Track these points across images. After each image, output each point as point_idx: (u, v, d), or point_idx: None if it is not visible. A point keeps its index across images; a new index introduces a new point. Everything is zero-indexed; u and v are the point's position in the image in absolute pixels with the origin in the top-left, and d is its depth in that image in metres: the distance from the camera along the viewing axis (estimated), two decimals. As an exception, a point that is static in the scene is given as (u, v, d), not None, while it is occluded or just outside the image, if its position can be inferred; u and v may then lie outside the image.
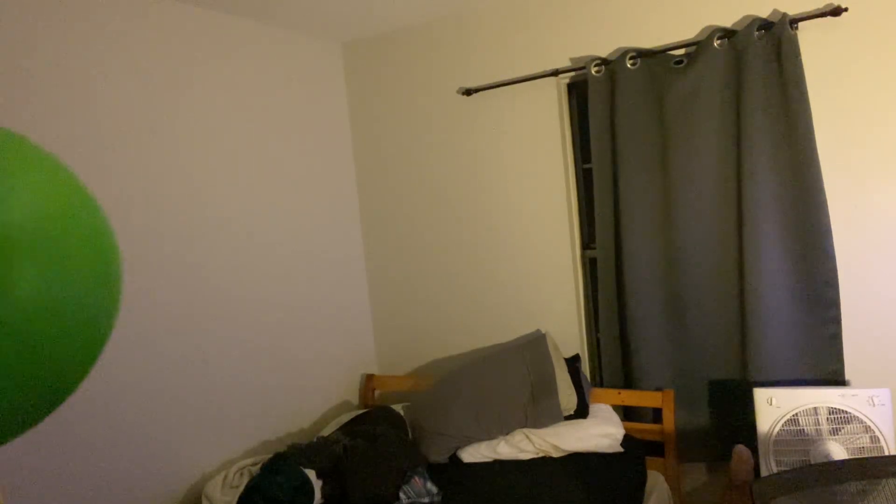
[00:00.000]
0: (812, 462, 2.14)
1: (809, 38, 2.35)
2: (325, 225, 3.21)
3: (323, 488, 2.31)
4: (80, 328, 0.92)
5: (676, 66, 2.53)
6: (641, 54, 2.58)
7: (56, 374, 0.90)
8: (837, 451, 2.12)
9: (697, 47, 2.48)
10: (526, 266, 3.03)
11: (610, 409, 2.69)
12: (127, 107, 2.31)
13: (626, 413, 2.77)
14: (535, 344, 2.75)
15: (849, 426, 2.14)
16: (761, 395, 2.25)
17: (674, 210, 2.58)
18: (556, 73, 2.79)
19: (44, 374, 0.87)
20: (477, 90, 3.00)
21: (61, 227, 0.89)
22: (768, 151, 2.38)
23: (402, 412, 2.86)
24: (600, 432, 2.50)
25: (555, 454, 2.50)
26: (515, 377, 2.65)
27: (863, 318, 2.37)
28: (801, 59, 2.28)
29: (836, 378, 2.36)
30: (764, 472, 2.23)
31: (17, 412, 0.87)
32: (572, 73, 2.80)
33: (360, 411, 2.92)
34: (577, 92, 2.88)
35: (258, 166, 2.84)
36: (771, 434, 2.22)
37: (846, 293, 2.38)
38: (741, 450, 2.25)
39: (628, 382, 2.75)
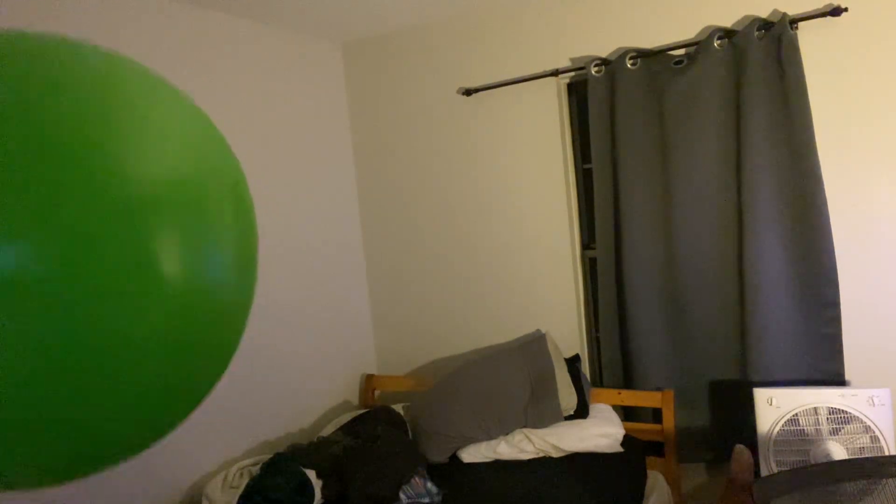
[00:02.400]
0: (812, 462, 2.14)
1: (809, 38, 2.35)
2: (325, 225, 3.21)
3: (323, 488, 2.31)
4: (220, 322, 0.79)
5: (676, 66, 2.53)
6: (641, 54, 2.58)
7: (181, 392, 0.78)
8: (837, 451, 2.12)
9: (697, 47, 2.48)
10: (526, 266, 3.03)
11: (610, 409, 2.69)
12: (127, 107, 2.31)
13: (626, 413, 2.77)
14: (536, 344, 2.75)
15: (849, 426, 2.14)
16: (761, 395, 2.25)
17: (674, 210, 2.58)
18: (556, 73, 2.79)
19: (168, 395, 0.75)
20: (477, 90, 3.00)
21: (205, 188, 0.76)
22: (768, 151, 2.38)
23: (402, 412, 2.86)
24: (600, 432, 2.50)
25: (555, 454, 2.50)
26: (515, 377, 2.65)
27: (863, 318, 2.37)
28: (801, 59, 2.28)
29: (836, 378, 2.36)
30: (764, 472, 2.23)
31: (127, 441, 0.77)
32: (572, 73, 2.80)
33: (360, 411, 2.92)
34: (577, 92, 2.88)
35: (258, 166, 2.84)
36: (771, 434, 2.22)
37: (846, 293, 2.38)
38: (741, 450, 2.25)
39: (628, 382, 2.75)
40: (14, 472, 0.70)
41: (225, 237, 0.77)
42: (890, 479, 1.65)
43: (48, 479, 0.74)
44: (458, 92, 3.10)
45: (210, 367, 0.81)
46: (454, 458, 2.59)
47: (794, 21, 2.30)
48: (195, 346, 0.76)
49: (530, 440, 2.51)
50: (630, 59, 2.58)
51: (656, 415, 2.69)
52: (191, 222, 0.73)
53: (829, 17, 2.30)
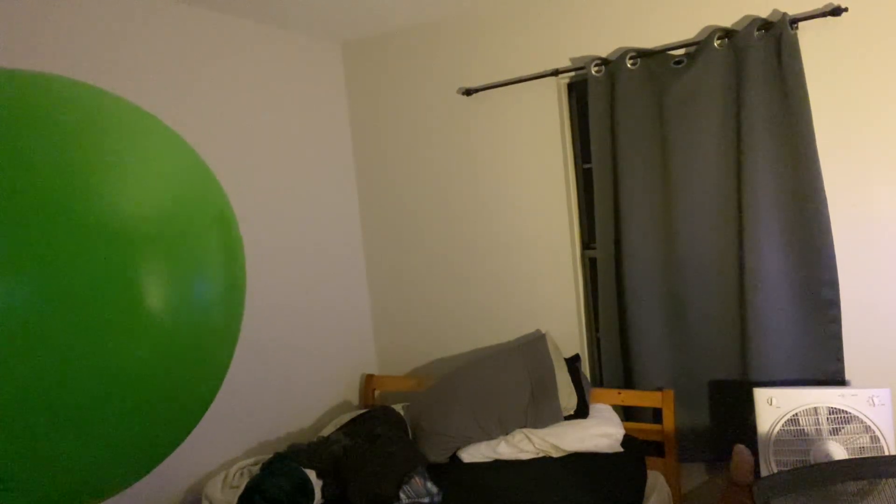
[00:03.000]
0: (812, 462, 2.14)
1: (809, 38, 2.35)
2: (325, 225, 3.21)
3: (323, 488, 2.31)
4: (211, 347, 0.77)
5: (676, 66, 2.53)
6: (641, 54, 2.58)
7: (172, 422, 0.76)
8: (837, 451, 2.12)
9: (697, 47, 2.48)
10: (526, 266, 3.03)
11: (610, 409, 2.69)
12: (127, 107, 2.31)
13: (626, 413, 2.77)
14: (535, 344, 2.75)
15: (849, 426, 2.14)
16: (761, 395, 2.25)
17: (674, 210, 2.58)
18: (556, 73, 2.79)
19: (159, 425, 0.73)
20: (477, 90, 3.00)
21: (190, 215, 0.75)
22: (768, 151, 2.38)
23: (402, 412, 2.86)
24: (600, 432, 2.50)
25: (555, 454, 2.50)
26: (515, 377, 2.65)
27: (863, 318, 2.37)
28: (801, 59, 2.28)
29: (836, 378, 2.36)
30: (764, 472, 2.23)
31: (120, 474, 0.74)
32: (572, 73, 2.80)
33: (360, 411, 2.92)
34: (577, 92, 2.88)
35: (258, 166, 2.84)
36: (771, 434, 2.22)
37: (846, 293, 2.38)
38: (741, 450, 2.25)
39: (628, 382, 2.75)
40: None
41: (211, 270, 0.77)
42: (890, 479, 1.65)
43: None
44: (458, 92, 3.10)
45: (193, 405, 0.79)
46: (454, 458, 2.59)
47: (794, 21, 2.30)
48: (180, 381, 0.74)
49: (530, 440, 2.51)
50: (630, 59, 2.58)
51: (656, 415, 2.69)
52: (177, 256, 0.72)
53: (829, 17, 2.30)
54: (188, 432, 0.82)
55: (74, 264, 0.64)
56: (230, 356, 0.83)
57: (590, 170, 2.89)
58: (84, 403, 0.66)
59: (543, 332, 2.94)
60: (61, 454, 0.67)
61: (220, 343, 0.80)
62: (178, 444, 0.81)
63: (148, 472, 0.78)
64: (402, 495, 2.25)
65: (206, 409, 0.82)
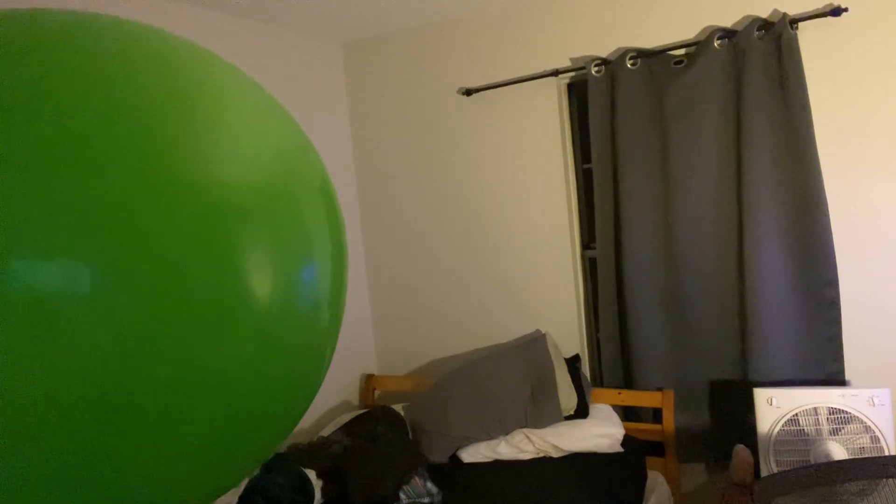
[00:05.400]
0: (812, 462, 2.14)
1: (809, 38, 2.34)
2: (325, 225, 3.21)
3: (323, 488, 2.31)
4: (318, 345, 0.64)
5: (676, 66, 2.53)
6: (641, 54, 2.58)
7: (270, 425, 0.63)
8: (837, 451, 2.12)
9: (697, 47, 2.48)
10: (526, 266, 3.03)
11: (610, 409, 2.69)
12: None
13: (626, 413, 2.77)
14: (535, 344, 2.75)
15: (849, 426, 2.14)
16: (761, 395, 2.25)
17: (674, 210, 2.58)
18: (556, 73, 2.79)
19: (257, 432, 0.61)
20: (477, 90, 3.00)
21: (295, 185, 0.62)
22: (768, 151, 2.38)
23: (402, 412, 2.86)
24: (600, 432, 2.50)
25: (555, 454, 2.50)
26: (515, 377, 2.65)
27: (863, 318, 2.37)
28: (801, 59, 2.28)
29: (836, 378, 2.36)
30: (764, 472, 2.23)
31: (212, 484, 0.62)
32: (572, 73, 2.80)
33: (360, 411, 2.92)
34: (577, 92, 2.88)
35: (258, 166, 2.84)
36: (771, 434, 2.22)
37: (846, 293, 2.38)
38: (741, 450, 2.25)
39: (628, 382, 2.75)
40: None
41: (319, 251, 0.64)
42: (890, 479, 1.65)
43: None
44: (458, 92, 3.10)
45: (288, 412, 0.67)
46: (454, 458, 2.59)
47: (794, 21, 2.30)
48: (279, 383, 0.62)
49: (530, 440, 2.51)
50: (630, 59, 2.58)
51: (656, 415, 2.69)
52: (284, 233, 0.59)
53: (829, 17, 2.30)
54: (277, 446, 0.69)
55: (159, 239, 0.52)
56: (331, 356, 0.71)
57: (590, 170, 2.89)
58: (163, 407, 0.54)
59: (543, 332, 2.94)
60: (132, 466, 0.55)
61: (326, 340, 0.68)
62: (261, 461, 0.69)
63: (226, 490, 0.67)
64: (402, 495, 2.25)
65: (303, 414, 0.69)
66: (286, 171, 0.62)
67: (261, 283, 0.57)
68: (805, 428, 2.19)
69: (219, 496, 0.67)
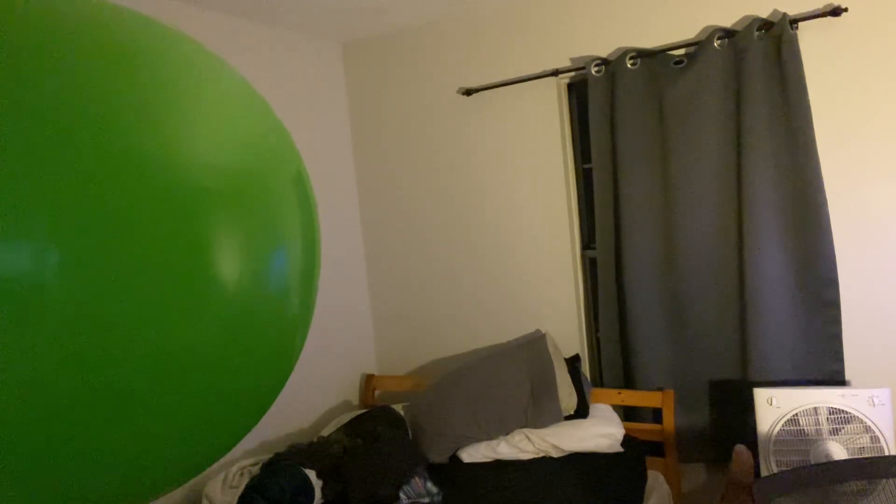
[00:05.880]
0: (812, 462, 2.14)
1: (809, 38, 2.34)
2: (325, 225, 3.21)
3: (323, 488, 2.31)
4: (287, 329, 0.65)
5: (676, 66, 2.53)
6: (641, 54, 2.58)
7: (240, 408, 0.64)
8: (837, 451, 2.12)
9: (697, 47, 2.48)
10: (526, 266, 3.03)
11: (610, 409, 2.69)
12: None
13: (626, 413, 2.77)
14: (535, 344, 2.75)
15: (849, 426, 2.14)
16: (761, 395, 2.25)
17: (674, 210, 2.58)
18: (556, 73, 2.79)
19: (226, 413, 0.62)
20: (477, 90, 3.00)
21: (268, 172, 0.61)
22: (768, 151, 2.38)
23: (402, 412, 2.86)
24: (600, 432, 2.50)
25: (555, 454, 2.50)
26: (515, 377, 2.65)
27: (863, 318, 2.37)
28: (801, 59, 2.28)
29: (836, 378, 2.36)
30: (764, 472, 2.23)
31: (180, 468, 0.63)
32: (572, 73, 2.80)
33: (360, 411, 2.92)
34: (577, 92, 2.88)
35: (258, 166, 2.84)
36: (771, 434, 2.22)
37: (846, 293, 2.38)
38: (741, 450, 2.25)
39: (628, 382, 2.75)
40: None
41: (291, 238, 0.64)
42: (890, 479, 1.65)
43: None
44: (458, 92, 3.10)
45: (257, 396, 0.68)
46: (454, 458, 2.59)
47: (794, 21, 2.30)
48: (247, 367, 0.62)
49: (530, 440, 2.51)
50: (630, 59, 2.58)
51: (656, 415, 2.69)
52: (255, 218, 0.59)
53: (829, 17, 2.30)
54: (248, 430, 0.70)
55: (127, 220, 0.51)
56: (303, 342, 0.72)
57: (590, 170, 2.89)
58: (132, 389, 0.54)
59: (543, 332, 2.94)
60: (103, 448, 0.56)
61: (297, 325, 0.68)
62: (233, 445, 0.70)
63: (197, 473, 0.67)
64: (401, 495, 2.25)
65: (274, 399, 0.70)
66: (257, 155, 0.62)
67: (228, 264, 0.57)
68: (805, 428, 2.19)
69: (189, 479, 0.67)
